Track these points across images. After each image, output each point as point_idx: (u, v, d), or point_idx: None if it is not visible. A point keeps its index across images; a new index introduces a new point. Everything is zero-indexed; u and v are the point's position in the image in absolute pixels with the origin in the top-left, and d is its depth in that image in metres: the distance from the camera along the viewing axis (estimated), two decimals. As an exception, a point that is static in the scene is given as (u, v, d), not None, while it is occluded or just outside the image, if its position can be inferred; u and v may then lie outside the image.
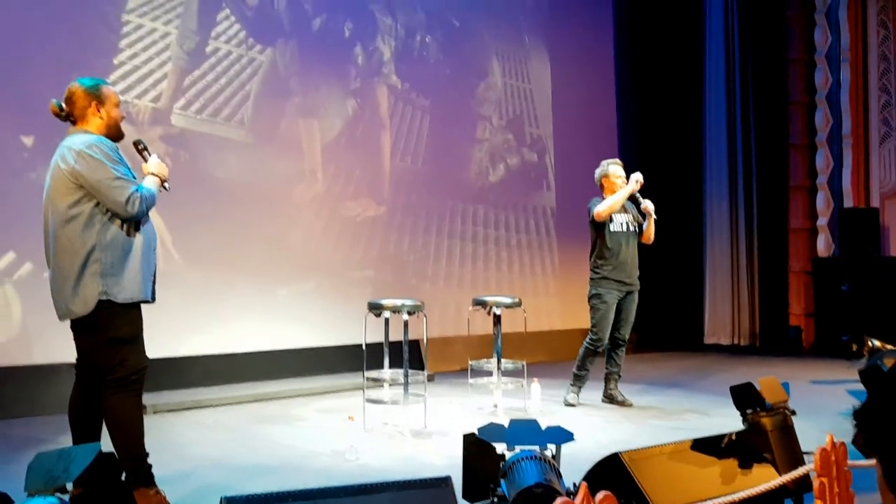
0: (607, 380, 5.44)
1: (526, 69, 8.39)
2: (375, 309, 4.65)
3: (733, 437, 2.75)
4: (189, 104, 6.00)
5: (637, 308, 5.45)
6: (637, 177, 5.30)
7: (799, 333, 8.91)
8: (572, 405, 5.29)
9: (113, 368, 3.00)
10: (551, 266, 8.42)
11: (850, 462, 2.47)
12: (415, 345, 6.33)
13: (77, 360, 3.17)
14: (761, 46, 9.01)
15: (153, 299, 3.18)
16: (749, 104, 8.99)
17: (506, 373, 5.19)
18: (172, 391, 5.66)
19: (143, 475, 3.06)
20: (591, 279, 5.35)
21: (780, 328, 8.92)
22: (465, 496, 2.45)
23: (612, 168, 5.40)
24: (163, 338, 5.70)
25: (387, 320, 4.88)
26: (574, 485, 2.35)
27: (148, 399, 5.35)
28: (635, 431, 4.54)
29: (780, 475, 2.67)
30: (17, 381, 5.12)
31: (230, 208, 6.11)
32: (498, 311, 5.17)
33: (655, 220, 5.37)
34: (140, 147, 3.30)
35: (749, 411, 2.86)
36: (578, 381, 5.37)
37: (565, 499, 2.05)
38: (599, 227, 5.27)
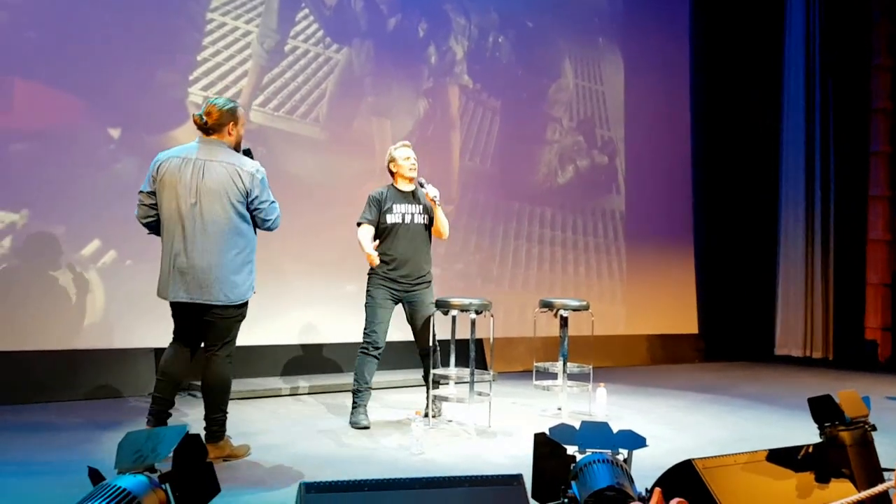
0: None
1: (599, 71, 8.32)
2: (443, 307, 4.68)
3: (810, 449, 2.69)
4: (267, 101, 6.15)
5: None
6: (431, 192, 4.59)
7: (875, 348, 8.62)
8: (366, 427, 4.50)
9: (232, 341, 3.71)
10: (619, 270, 8.34)
11: (934, 481, 2.39)
12: (479, 344, 6.36)
13: (188, 332, 3.72)
14: (843, 51, 8.74)
15: None
16: (829, 110, 8.73)
17: (571, 376, 5.17)
18: (244, 379, 5.82)
19: (224, 428, 3.75)
20: (368, 276, 4.71)
21: (855, 342, 8.64)
22: (534, 496, 2.45)
23: (399, 151, 4.68)
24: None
25: (454, 318, 4.92)
26: (646, 490, 2.34)
27: (220, 386, 5.53)
28: (701, 441, 4.47)
29: (858, 491, 2.60)
30: (98, 363, 5.35)
31: (303, 203, 6.24)
32: (565, 314, 5.15)
33: (439, 205, 4.64)
34: (250, 157, 3.78)
35: (827, 424, 2.80)
36: (358, 397, 4.58)
37: (639, 503, 2.05)
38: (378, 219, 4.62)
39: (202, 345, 3.75)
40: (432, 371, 4.68)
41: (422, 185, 4.69)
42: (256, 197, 3.61)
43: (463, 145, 7.32)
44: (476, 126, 7.44)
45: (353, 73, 6.64)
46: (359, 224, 4.64)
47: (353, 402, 4.60)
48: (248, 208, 3.62)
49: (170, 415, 3.76)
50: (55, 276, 5.26)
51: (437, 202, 4.62)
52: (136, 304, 5.39)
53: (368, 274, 4.69)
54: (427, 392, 4.75)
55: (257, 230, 3.73)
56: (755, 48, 9.13)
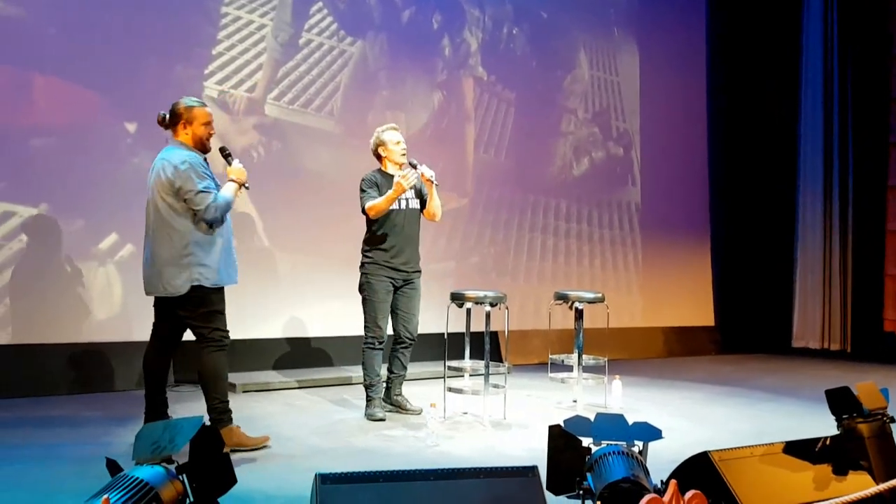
0: (391, 383, 4.77)
1: (614, 61, 8.27)
2: (458, 300, 4.69)
3: (828, 441, 2.68)
4: (282, 94, 6.17)
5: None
6: (427, 173, 4.55)
7: (893, 340, 8.52)
8: (381, 419, 4.53)
9: (213, 332, 3.73)
10: (634, 262, 8.30)
11: (953, 474, 2.37)
12: (493, 337, 6.36)
13: (162, 325, 3.86)
14: (862, 40, 8.62)
15: (236, 282, 3.90)
16: (847, 100, 8.62)
17: (586, 368, 5.16)
18: (259, 371, 5.87)
19: (229, 416, 3.79)
20: (361, 265, 4.64)
21: (873, 334, 8.54)
22: (549, 488, 2.45)
23: (389, 134, 4.60)
24: (250, 319, 5.92)
25: (468, 311, 4.92)
26: (661, 482, 2.33)
27: (236, 378, 5.58)
28: (718, 433, 4.46)
29: (876, 483, 2.58)
30: (117, 356, 5.39)
31: (318, 197, 6.27)
32: (580, 306, 5.14)
33: (436, 186, 4.60)
34: (224, 153, 3.90)
35: (845, 416, 2.77)
36: (372, 390, 4.60)
37: (654, 496, 2.05)
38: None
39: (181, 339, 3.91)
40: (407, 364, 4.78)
41: (415, 167, 4.60)
42: (181, 188, 3.60)
43: (478, 138, 7.31)
44: (491, 118, 7.42)
45: (368, 67, 6.64)
46: (366, 207, 4.51)
47: (367, 396, 4.63)
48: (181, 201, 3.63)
49: (162, 412, 3.83)
50: (73, 269, 5.30)
51: (433, 182, 4.56)
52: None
53: (365, 263, 4.63)
54: (396, 384, 4.75)
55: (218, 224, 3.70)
56: (772, 37, 9.03)
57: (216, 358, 3.75)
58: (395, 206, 4.53)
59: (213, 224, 3.68)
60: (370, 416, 4.57)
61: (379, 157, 4.67)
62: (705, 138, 8.99)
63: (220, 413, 3.76)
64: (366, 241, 4.67)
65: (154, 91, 5.59)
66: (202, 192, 3.60)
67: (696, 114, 8.91)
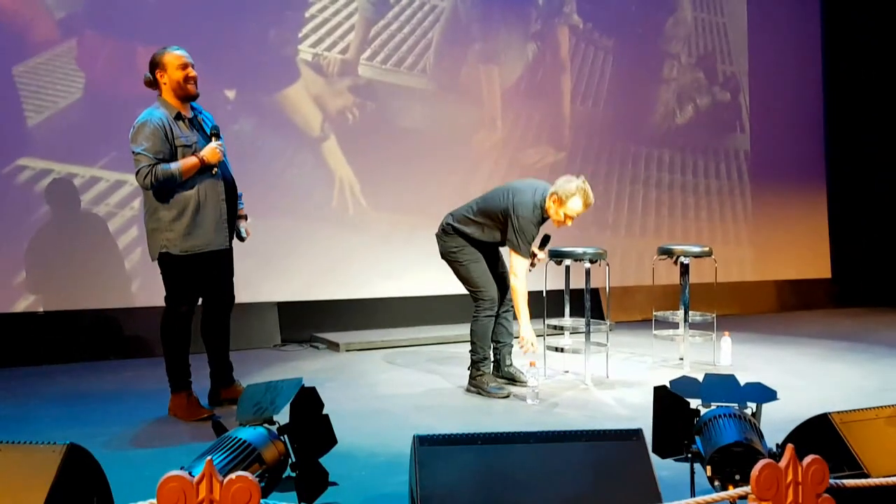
0: (500, 354, 4.37)
1: (719, 1, 7.82)
2: (556, 257, 4.59)
3: (965, 404, 2.45)
4: (375, 54, 6.14)
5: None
6: (540, 255, 4.22)
7: None
8: (507, 395, 4.07)
9: (168, 298, 3.61)
10: (743, 213, 7.93)
11: None
12: (594, 293, 6.21)
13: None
14: None
15: (229, 244, 3.69)
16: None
17: (693, 325, 4.97)
18: (362, 331, 5.96)
19: (177, 382, 3.66)
20: (445, 233, 4.33)
21: None
22: (655, 450, 2.36)
23: (574, 202, 3.98)
24: (352, 280, 6.01)
25: (567, 268, 4.81)
26: (777, 446, 2.20)
27: (339, 337, 5.70)
28: (837, 392, 4.21)
29: None
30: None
31: (413, 156, 6.25)
32: (686, 261, 4.94)
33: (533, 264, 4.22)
34: (212, 133, 3.61)
35: (985, 377, 2.54)
36: (486, 366, 4.17)
37: (769, 461, 1.92)
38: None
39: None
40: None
41: (546, 243, 4.29)
42: (131, 148, 3.41)
43: (574, 88, 7.08)
44: (588, 68, 7.17)
45: (460, 20, 6.51)
46: (519, 252, 4.03)
47: (480, 370, 4.16)
48: None
49: (223, 377, 3.83)
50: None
51: (535, 258, 4.19)
52: (264, 260, 5.57)
53: (453, 234, 4.25)
54: (506, 354, 4.40)
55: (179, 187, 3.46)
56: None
57: (164, 321, 3.60)
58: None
59: (146, 189, 3.43)
60: (497, 394, 4.07)
61: (552, 202, 4.05)
62: (819, 78, 8.42)
63: (170, 377, 3.63)
64: (460, 222, 4.29)
65: (250, 56, 5.67)
66: (139, 153, 3.38)
67: (809, 52, 8.35)
